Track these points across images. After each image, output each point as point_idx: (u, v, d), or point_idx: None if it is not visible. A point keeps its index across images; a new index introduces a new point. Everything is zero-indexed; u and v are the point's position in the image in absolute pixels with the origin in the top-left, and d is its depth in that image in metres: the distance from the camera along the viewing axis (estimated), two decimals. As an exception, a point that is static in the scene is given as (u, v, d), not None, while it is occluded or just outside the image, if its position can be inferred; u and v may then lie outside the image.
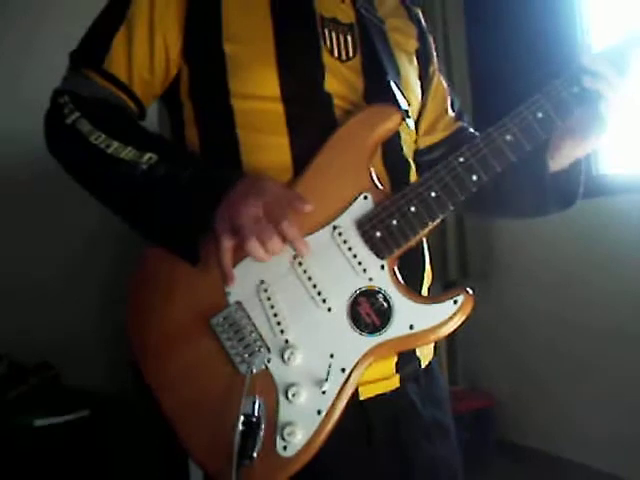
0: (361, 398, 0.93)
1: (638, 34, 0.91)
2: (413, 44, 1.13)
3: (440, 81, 1.18)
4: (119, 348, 2.97)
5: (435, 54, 1.18)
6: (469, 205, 1.13)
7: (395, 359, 0.96)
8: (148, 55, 0.95)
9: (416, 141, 1.11)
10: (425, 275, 1.01)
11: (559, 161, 1.01)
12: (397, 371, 0.97)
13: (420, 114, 1.13)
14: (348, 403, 0.88)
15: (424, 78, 1.14)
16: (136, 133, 0.94)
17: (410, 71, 1.09)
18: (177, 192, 0.88)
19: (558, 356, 3.05)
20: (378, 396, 0.95)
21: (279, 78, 0.92)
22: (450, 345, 3.44)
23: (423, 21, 1.18)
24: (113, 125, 0.93)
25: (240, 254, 0.87)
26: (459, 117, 1.18)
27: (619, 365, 2.75)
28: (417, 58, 1.13)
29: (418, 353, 1.01)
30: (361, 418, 0.94)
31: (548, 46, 2.95)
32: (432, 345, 1.07)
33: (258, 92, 0.93)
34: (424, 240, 1.03)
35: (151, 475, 2.85)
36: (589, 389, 2.91)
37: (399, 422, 0.98)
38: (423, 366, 1.03)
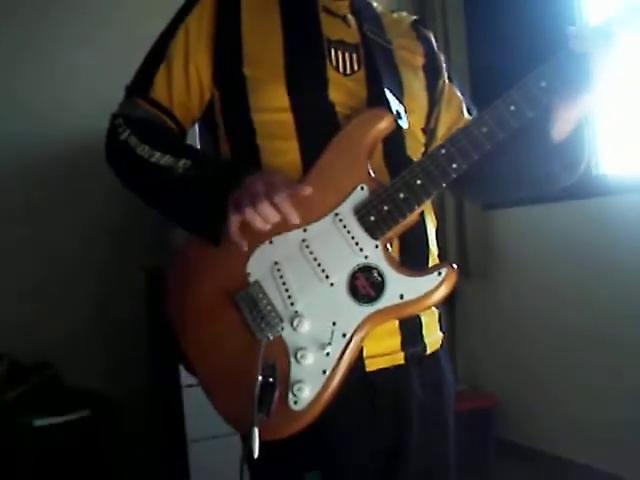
0: (367, 370, 1.14)
1: (623, 12, 1.08)
2: (419, 60, 1.34)
3: (453, 92, 1.39)
4: (119, 348, 3.18)
5: (445, 68, 1.39)
6: (483, 187, 1.35)
7: (400, 337, 1.17)
8: (184, 83, 1.23)
9: (426, 144, 1.31)
10: (430, 259, 1.21)
11: (561, 128, 1.18)
12: (402, 348, 1.18)
13: (437, 121, 1.35)
14: (354, 372, 1.08)
15: (433, 90, 1.34)
16: (173, 144, 1.20)
17: (414, 83, 1.30)
18: (204, 187, 1.12)
19: (559, 356, 3.12)
20: (382, 370, 1.16)
21: (287, 92, 1.16)
22: (450, 345, 3.51)
23: (434, 41, 1.40)
24: (155, 139, 1.19)
25: (256, 241, 1.10)
26: None
27: (620, 365, 2.86)
28: (425, 72, 1.34)
29: (425, 339, 1.22)
30: (366, 387, 1.15)
31: (547, 43, 3.06)
32: (439, 335, 1.28)
33: (270, 105, 1.17)
34: (429, 227, 1.23)
35: (151, 475, 2.97)
36: (590, 389, 2.98)
37: (400, 399, 1.18)
38: (428, 352, 1.23)
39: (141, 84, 1.26)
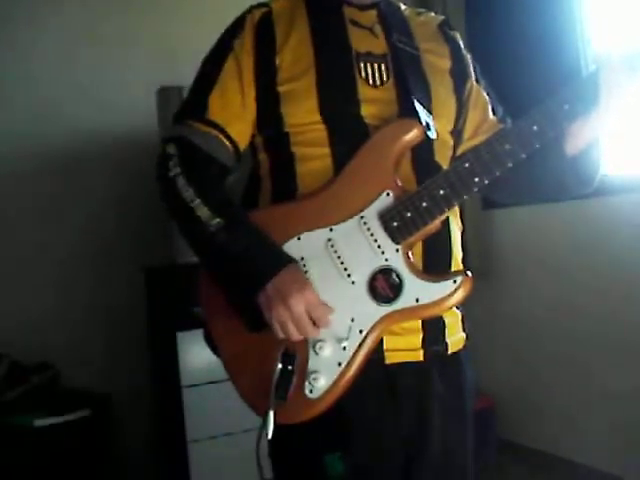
0: (387, 362, 1.23)
1: None
2: (446, 63, 1.40)
3: (480, 93, 1.43)
4: (119, 348, 3.28)
5: (473, 69, 1.46)
6: (499, 190, 1.43)
7: (422, 335, 1.25)
8: (240, 104, 1.31)
9: (454, 147, 1.39)
10: (453, 263, 1.29)
11: (574, 144, 1.25)
12: (423, 346, 1.26)
13: (464, 122, 1.42)
14: (374, 363, 1.18)
15: (460, 91, 1.39)
16: (216, 196, 1.24)
17: (442, 88, 1.35)
18: (228, 262, 1.21)
19: (559, 356, 3.17)
20: (402, 363, 1.24)
21: (319, 109, 1.26)
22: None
23: (461, 42, 1.47)
24: (201, 183, 1.24)
25: (285, 236, 1.21)
26: (502, 120, 1.43)
27: (620, 365, 2.90)
28: (452, 76, 1.39)
29: (447, 339, 1.30)
30: (386, 379, 1.25)
31: (547, 44, 3.15)
32: (462, 336, 1.36)
33: (303, 120, 1.27)
34: (454, 232, 1.31)
35: (151, 475, 3.06)
36: (590, 389, 3.05)
37: (420, 393, 1.27)
38: (450, 352, 1.31)
39: (194, 107, 1.33)
